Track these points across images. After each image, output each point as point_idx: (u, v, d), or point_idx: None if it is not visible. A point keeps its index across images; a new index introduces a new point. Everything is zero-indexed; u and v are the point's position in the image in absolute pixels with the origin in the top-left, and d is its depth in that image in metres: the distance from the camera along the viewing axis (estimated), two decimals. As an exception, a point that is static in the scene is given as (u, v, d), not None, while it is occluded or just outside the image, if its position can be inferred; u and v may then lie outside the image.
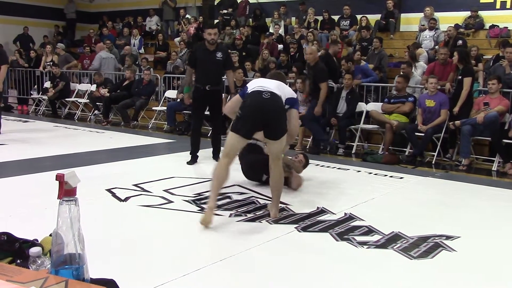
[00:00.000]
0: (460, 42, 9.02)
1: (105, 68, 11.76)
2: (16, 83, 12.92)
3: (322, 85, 7.15)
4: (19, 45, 14.71)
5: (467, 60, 7.01)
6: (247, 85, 4.05)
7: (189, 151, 6.09)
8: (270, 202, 4.08)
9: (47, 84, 11.90)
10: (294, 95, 4.09)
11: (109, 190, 4.54)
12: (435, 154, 6.93)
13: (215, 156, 5.98)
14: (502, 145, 6.40)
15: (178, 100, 9.39)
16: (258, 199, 4.41)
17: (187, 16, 14.26)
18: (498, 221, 4.11)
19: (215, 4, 14.45)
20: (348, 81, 7.72)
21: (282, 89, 3.94)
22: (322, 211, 4.09)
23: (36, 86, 12.71)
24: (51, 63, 12.14)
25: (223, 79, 6.92)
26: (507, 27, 10.05)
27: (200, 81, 5.99)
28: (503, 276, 2.95)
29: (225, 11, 13.63)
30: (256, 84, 3.96)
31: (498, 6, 10.81)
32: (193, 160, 6.04)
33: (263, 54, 10.20)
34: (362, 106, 7.89)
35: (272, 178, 3.98)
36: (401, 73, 8.13)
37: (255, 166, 4.85)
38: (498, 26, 10.19)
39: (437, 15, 10.51)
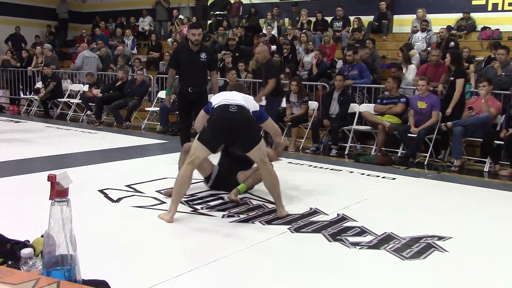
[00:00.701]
0: (452, 43, 9.08)
1: (87, 68, 11.77)
2: (8, 83, 12.85)
3: (270, 81, 7.04)
4: (11, 45, 14.63)
5: (459, 62, 7.06)
6: (211, 99, 4.00)
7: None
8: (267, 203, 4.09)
9: (39, 85, 11.83)
10: (258, 107, 4.03)
11: (101, 191, 4.52)
12: (427, 155, 6.96)
13: None
14: (493, 146, 6.43)
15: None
16: (251, 200, 4.41)
17: (180, 16, 14.24)
18: (490, 221, 4.13)
19: (208, 4, 14.45)
20: (340, 83, 7.74)
21: (247, 101, 3.93)
22: (315, 212, 4.10)
23: (22, 86, 12.64)
24: (42, 64, 12.09)
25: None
26: (498, 29, 10.12)
27: (184, 83, 5.87)
28: (494, 276, 2.97)
29: (218, 12, 13.62)
30: (221, 98, 3.90)
31: (490, 8, 10.89)
32: None
33: (256, 55, 10.20)
34: (354, 107, 7.92)
35: (264, 181, 3.99)
36: (393, 73, 8.19)
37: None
38: (489, 28, 10.27)
39: (430, 16, 10.57)
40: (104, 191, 4.54)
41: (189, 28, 5.90)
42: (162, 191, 4.54)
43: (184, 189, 3.83)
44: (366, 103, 8.13)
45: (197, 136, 3.88)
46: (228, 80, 8.95)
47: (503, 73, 7.05)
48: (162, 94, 10.12)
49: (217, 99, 3.92)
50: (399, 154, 7.10)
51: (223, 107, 3.79)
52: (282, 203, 4.00)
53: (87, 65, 11.84)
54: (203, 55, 5.83)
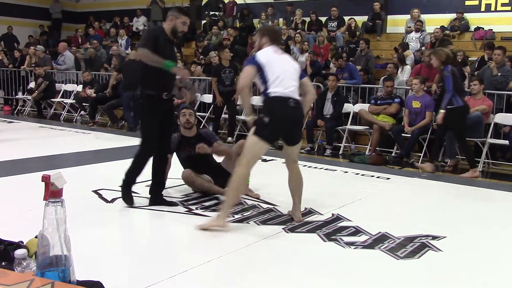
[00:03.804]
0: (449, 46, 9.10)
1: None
2: (1, 83, 12.78)
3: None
4: (3, 45, 14.56)
5: (454, 62, 7.08)
6: (263, 59, 3.60)
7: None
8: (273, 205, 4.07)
9: (32, 85, 11.77)
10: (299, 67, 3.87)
11: (95, 192, 4.51)
12: (421, 155, 6.99)
13: (159, 187, 4.28)
14: (470, 148, 6.42)
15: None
16: (246, 200, 4.41)
17: None
18: (484, 221, 4.16)
19: (202, 5, 14.43)
20: (333, 83, 7.76)
21: (297, 74, 3.71)
22: (309, 212, 4.10)
23: (15, 86, 12.60)
24: (35, 64, 12.05)
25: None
26: (492, 29, 10.16)
27: (156, 86, 4.07)
28: (488, 275, 2.98)
29: (212, 12, 13.61)
30: (276, 73, 3.57)
31: (483, 8, 10.94)
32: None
33: (251, 54, 10.20)
34: (348, 108, 7.94)
35: (293, 181, 3.86)
36: (387, 73, 8.21)
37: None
38: (483, 28, 10.32)
39: (423, 17, 10.61)
40: (98, 191, 4.52)
41: (177, 12, 4.12)
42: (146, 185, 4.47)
43: (240, 193, 3.67)
44: (360, 103, 8.16)
45: (253, 131, 3.60)
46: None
47: (499, 73, 7.08)
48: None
49: (272, 71, 3.57)
50: (393, 154, 7.12)
51: (284, 100, 3.54)
52: (300, 208, 3.94)
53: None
54: (175, 50, 4.58)
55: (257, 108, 3.80)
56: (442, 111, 5.99)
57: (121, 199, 4.25)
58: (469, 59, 9.06)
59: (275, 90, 3.55)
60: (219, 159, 4.74)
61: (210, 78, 9.33)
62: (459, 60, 8.15)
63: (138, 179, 4.92)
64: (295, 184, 3.86)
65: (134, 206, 4.09)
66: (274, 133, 3.61)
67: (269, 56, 3.64)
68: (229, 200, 3.60)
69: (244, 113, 3.89)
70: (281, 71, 3.60)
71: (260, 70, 3.57)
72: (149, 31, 4.58)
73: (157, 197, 4.16)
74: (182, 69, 4.00)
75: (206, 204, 4.26)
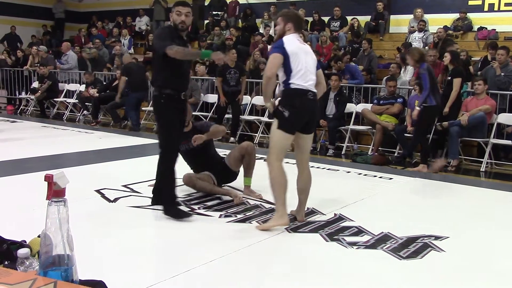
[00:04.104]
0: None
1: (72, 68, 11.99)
2: (5, 83, 12.81)
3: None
4: (6, 45, 14.59)
5: (457, 61, 7.08)
6: (290, 48, 3.56)
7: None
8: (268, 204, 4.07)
9: (35, 84, 11.81)
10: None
11: (98, 191, 4.51)
12: (424, 155, 6.97)
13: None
14: (428, 145, 6.61)
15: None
16: (248, 200, 4.41)
17: None
18: (487, 221, 4.14)
19: (205, 4, 14.43)
20: (335, 83, 7.75)
21: (315, 66, 3.71)
22: (312, 212, 4.10)
23: (18, 86, 12.64)
24: (38, 63, 12.08)
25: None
26: (495, 29, 10.14)
27: (174, 86, 3.93)
28: (491, 275, 2.97)
29: (215, 12, 13.61)
30: (300, 65, 3.56)
31: (486, 8, 10.91)
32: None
33: (255, 54, 10.21)
34: (351, 107, 7.93)
35: (303, 181, 3.83)
36: (390, 73, 8.20)
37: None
38: (486, 28, 10.30)
39: (426, 17, 10.59)
40: (101, 191, 4.53)
41: (173, 6, 3.96)
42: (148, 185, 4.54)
43: (286, 187, 3.64)
44: (362, 103, 8.15)
45: (276, 125, 3.61)
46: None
47: (502, 73, 7.07)
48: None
49: (296, 63, 3.56)
50: (396, 154, 7.11)
51: (304, 93, 3.58)
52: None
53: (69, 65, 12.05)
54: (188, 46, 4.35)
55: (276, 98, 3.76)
56: (417, 108, 6.19)
57: (123, 198, 4.25)
58: (472, 59, 9.03)
59: (296, 82, 3.57)
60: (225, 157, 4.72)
61: (213, 78, 9.35)
62: (463, 58, 8.15)
63: (139, 180, 4.97)
64: (305, 184, 3.84)
65: (139, 206, 4.10)
66: (295, 124, 3.63)
67: (295, 46, 3.61)
68: (278, 198, 3.61)
69: (264, 100, 3.83)
70: (304, 63, 3.60)
71: (285, 59, 3.56)
72: (162, 30, 4.32)
73: (160, 197, 4.16)
74: (218, 54, 3.88)
75: (209, 204, 4.26)
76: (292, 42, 3.62)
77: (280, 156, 3.64)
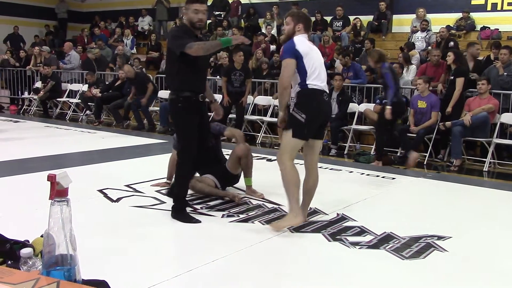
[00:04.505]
0: (451, 43, 9.07)
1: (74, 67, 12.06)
2: (8, 83, 12.84)
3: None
4: (9, 45, 14.62)
5: (460, 61, 7.06)
6: (302, 49, 3.51)
7: None
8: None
9: (38, 84, 11.83)
10: None
11: (101, 191, 4.52)
12: (427, 155, 6.97)
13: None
14: (383, 141, 6.75)
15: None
16: (251, 200, 4.41)
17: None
18: (490, 221, 4.13)
19: (208, 5, 14.43)
20: (339, 83, 7.74)
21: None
22: (314, 212, 4.09)
23: (21, 86, 12.66)
24: (41, 64, 12.11)
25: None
26: (498, 29, 10.12)
27: (192, 87, 3.84)
28: (494, 275, 2.97)
29: (218, 12, 13.61)
30: (314, 65, 3.53)
31: (489, 8, 10.89)
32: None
33: (257, 54, 10.21)
34: (354, 107, 7.92)
35: (311, 183, 3.79)
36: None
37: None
38: (489, 27, 10.27)
39: (429, 16, 10.57)
40: (104, 191, 4.54)
41: (187, 3, 3.77)
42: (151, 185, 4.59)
43: (299, 186, 3.61)
44: (365, 103, 8.14)
45: (291, 133, 3.53)
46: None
47: (505, 73, 7.05)
48: (162, 93, 10.10)
49: (310, 63, 3.51)
50: (398, 154, 7.10)
51: (320, 94, 3.55)
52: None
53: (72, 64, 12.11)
54: None
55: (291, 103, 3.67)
56: (388, 107, 6.29)
57: (125, 198, 4.25)
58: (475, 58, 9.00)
59: (313, 82, 3.53)
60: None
61: (216, 77, 9.34)
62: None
63: (142, 180, 4.97)
64: (312, 186, 3.81)
65: (141, 206, 4.11)
66: (311, 129, 3.59)
67: (306, 46, 3.59)
68: (292, 198, 3.57)
69: (279, 109, 3.75)
70: (318, 63, 3.58)
71: (298, 60, 3.51)
72: (177, 29, 4.15)
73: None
74: (238, 36, 3.82)
75: (211, 203, 4.26)
76: (303, 42, 3.59)
77: (292, 156, 3.61)
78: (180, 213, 3.80)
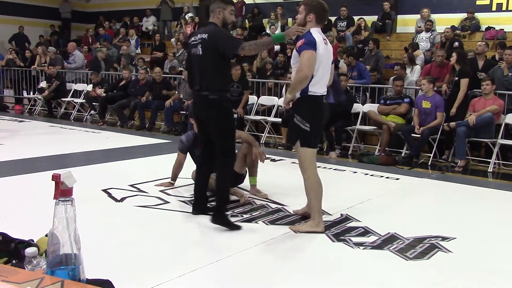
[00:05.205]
0: (456, 44, 9.04)
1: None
2: (13, 83, 12.89)
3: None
4: (15, 45, 14.67)
5: (464, 62, 7.04)
6: (319, 47, 3.41)
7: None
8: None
9: (43, 84, 11.87)
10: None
11: (105, 191, 4.53)
12: (431, 155, 6.95)
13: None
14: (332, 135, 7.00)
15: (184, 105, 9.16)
16: (255, 200, 4.41)
17: (189, 14, 14.12)
18: (494, 222, 4.12)
19: (212, 4, 14.42)
20: (344, 83, 7.72)
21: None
22: (318, 212, 4.08)
23: (26, 86, 12.71)
24: (45, 64, 12.14)
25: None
26: (503, 29, 10.08)
27: (226, 87, 4.00)
28: (498, 277, 2.95)
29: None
30: (322, 71, 3.48)
31: (494, 8, 10.86)
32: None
33: (262, 54, 10.21)
34: (358, 108, 7.91)
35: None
36: (395, 73, 8.17)
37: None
38: (494, 28, 10.24)
39: (434, 16, 10.55)
40: (108, 190, 4.54)
41: (224, 3, 3.76)
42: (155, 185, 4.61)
43: (322, 196, 3.65)
44: (369, 103, 8.13)
45: (299, 144, 3.55)
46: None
47: (510, 73, 7.02)
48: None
49: (320, 68, 3.45)
50: (403, 155, 7.09)
51: (321, 99, 3.54)
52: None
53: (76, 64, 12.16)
54: None
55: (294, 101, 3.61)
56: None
57: (130, 198, 4.26)
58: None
59: (316, 90, 3.48)
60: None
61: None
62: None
63: (146, 179, 4.98)
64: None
65: (145, 206, 4.12)
66: (317, 135, 3.64)
67: (322, 47, 3.46)
68: (315, 207, 3.62)
69: (289, 92, 3.65)
70: (326, 68, 3.53)
71: None
72: (226, 31, 3.99)
73: (202, 206, 3.96)
74: (291, 29, 3.77)
75: (215, 204, 4.25)
76: (320, 42, 3.46)
77: (313, 166, 3.62)
78: (226, 218, 3.68)
